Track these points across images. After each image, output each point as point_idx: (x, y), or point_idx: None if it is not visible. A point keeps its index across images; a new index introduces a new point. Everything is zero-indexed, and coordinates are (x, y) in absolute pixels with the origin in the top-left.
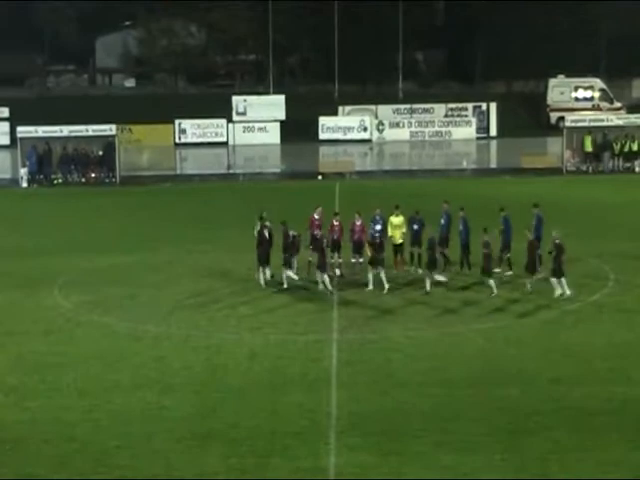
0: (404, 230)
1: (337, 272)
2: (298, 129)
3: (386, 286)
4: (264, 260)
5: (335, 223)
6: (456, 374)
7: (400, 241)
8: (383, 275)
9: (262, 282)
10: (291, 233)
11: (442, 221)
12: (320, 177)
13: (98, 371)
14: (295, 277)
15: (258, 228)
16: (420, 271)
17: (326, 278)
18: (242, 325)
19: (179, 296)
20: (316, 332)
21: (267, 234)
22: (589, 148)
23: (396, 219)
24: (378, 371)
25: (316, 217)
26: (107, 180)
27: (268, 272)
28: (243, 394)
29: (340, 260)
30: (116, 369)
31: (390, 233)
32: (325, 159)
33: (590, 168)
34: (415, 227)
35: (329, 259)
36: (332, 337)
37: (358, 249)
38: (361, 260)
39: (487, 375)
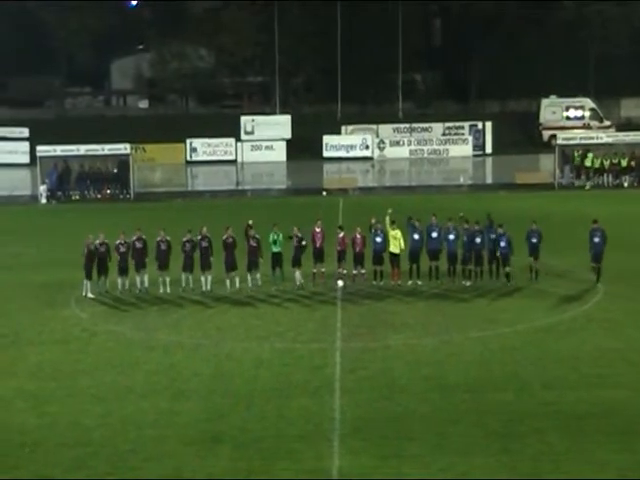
0: (402, 242)
1: (340, 283)
2: (303, 147)
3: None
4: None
5: (339, 236)
6: (454, 380)
7: (397, 251)
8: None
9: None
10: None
11: (451, 237)
12: (324, 193)
13: (113, 378)
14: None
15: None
16: (419, 283)
17: (298, 274)
18: (250, 334)
19: (190, 307)
20: (320, 341)
21: (254, 242)
22: (589, 164)
23: (393, 232)
24: (380, 378)
25: (317, 230)
26: (121, 196)
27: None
28: (250, 400)
29: (344, 271)
30: (130, 376)
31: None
32: (329, 176)
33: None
34: (416, 237)
35: (337, 269)
36: (335, 345)
37: (359, 261)
38: (363, 271)
39: (483, 381)
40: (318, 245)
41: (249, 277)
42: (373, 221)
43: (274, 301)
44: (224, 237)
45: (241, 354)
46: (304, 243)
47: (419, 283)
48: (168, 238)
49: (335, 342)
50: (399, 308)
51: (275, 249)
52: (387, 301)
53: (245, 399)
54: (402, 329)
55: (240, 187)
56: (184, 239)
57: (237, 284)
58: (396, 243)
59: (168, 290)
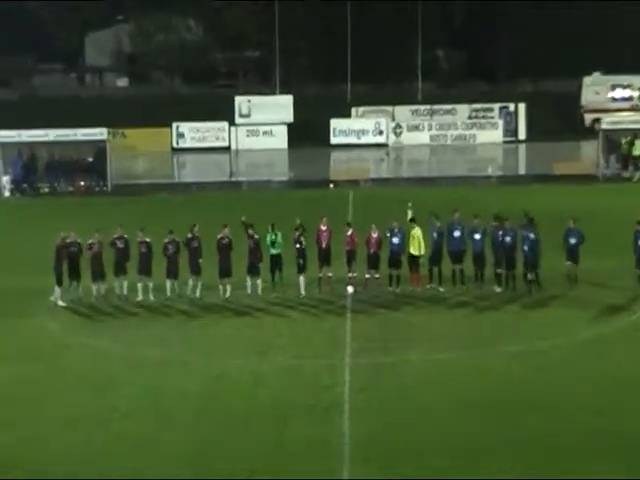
0: (422, 242)
1: (350, 290)
2: (307, 133)
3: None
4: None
5: (347, 234)
6: (483, 403)
7: (417, 252)
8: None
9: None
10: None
11: (477, 236)
12: (332, 185)
13: (87, 400)
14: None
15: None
16: (441, 289)
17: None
18: (247, 348)
19: (177, 317)
20: (327, 356)
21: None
22: (639, 152)
23: (412, 231)
24: (395, 399)
25: (323, 228)
26: (97, 189)
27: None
28: (246, 425)
29: (354, 274)
30: (107, 397)
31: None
32: (337, 165)
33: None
34: (435, 236)
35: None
36: (345, 361)
37: (374, 264)
38: (377, 276)
39: (518, 404)
40: (324, 246)
41: (249, 282)
42: (395, 223)
43: (274, 310)
44: (219, 237)
45: (236, 371)
46: (298, 246)
47: (441, 290)
48: (147, 239)
49: (344, 358)
50: (418, 318)
51: (274, 251)
52: (404, 310)
53: (240, 424)
54: (422, 342)
55: (234, 179)
56: (166, 240)
57: (229, 292)
58: (415, 244)
59: (151, 297)
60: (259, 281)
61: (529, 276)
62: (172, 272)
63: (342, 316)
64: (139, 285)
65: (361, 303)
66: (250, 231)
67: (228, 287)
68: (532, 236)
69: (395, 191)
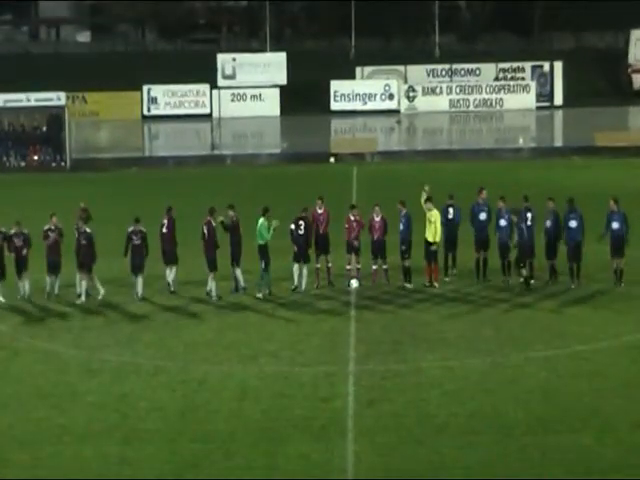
0: (439, 227)
1: (354, 284)
2: (303, 97)
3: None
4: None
5: (352, 218)
6: (511, 417)
7: (432, 239)
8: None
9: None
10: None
11: (502, 222)
12: (332, 160)
13: (42, 414)
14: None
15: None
16: (447, 279)
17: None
18: (230, 353)
19: (146, 315)
20: (327, 362)
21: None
22: None
23: (428, 214)
24: (408, 414)
25: (319, 211)
26: (54, 164)
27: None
28: (231, 444)
29: (358, 266)
30: (65, 411)
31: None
32: (339, 136)
33: None
34: (450, 216)
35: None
36: (348, 369)
37: (379, 252)
38: (385, 267)
39: (551, 418)
40: (322, 231)
41: (238, 273)
42: (399, 207)
43: (263, 308)
44: (222, 219)
45: (219, 381)
46: (301, 232)
47: (446, 280)
48: (88, 230)
49: (347, 365)
50: (435, 317)
51: (261, 241)
52: (418, 308)
53: (224, 443)
54: (439, 346)
55: (217, 152)
56: (129, 230)
57: (214, 291)
58: (432, 229)
59: (102, 292)
60: (238, 270)
61: (570, 265)
62: (137, 267)
63: (344, 315)
64: (78, 281)
65: (367, 300)
66: (231, 213)
67: (213, 283)
68: (574, 223)
69: (407, 167)
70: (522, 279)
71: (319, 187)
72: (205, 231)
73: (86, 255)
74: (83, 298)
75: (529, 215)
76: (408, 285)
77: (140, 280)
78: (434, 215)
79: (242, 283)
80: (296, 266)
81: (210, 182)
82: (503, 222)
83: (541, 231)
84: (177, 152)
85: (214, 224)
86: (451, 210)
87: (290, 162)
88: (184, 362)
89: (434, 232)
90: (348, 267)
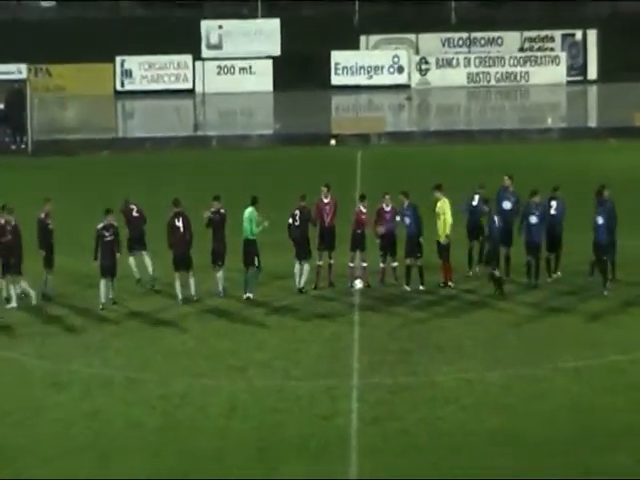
0: (449, 220)
1: (358, 284)
2: (300, 70)
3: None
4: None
5: (362, 210)
6: (539, 436)
7: (441, 238)
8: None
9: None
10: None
11: (533, 220)
12: (333, 142)
13: (3, 432)
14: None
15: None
16: (471, 274)
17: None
18: (216, 364)
19: (118, 320)
20: (327, 374)
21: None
22: None
23: (438, 204)
24: (420, 433)
25: (325, 200)
26: (13, 147)
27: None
28: (218, 466)
29: (364, 264)
30: (30, 428)
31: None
32: (341, 115)
33: None
34: (474, 203)
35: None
36: (351, 382)
37: (388, 248)
38: (395, 264)
39: (583, 438)
40: (327, 224)
41: (219, 275)
42: (401, 198)
43: (254, 312)
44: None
45: (203, 396)
46: (297, 223)
47: (472, 273)
48: (48, 221)
49: (350, 377)
50: (451, 322)
51: (250, 235)
52: (431, 311)
53: (210, 465)
54: (455, 356)
55: (200, 133)
56: (99, 226)
57: (193, 289)
58: (440, 224)
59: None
60: (220, 274)
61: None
62: (108, 270)
63: (347, 320)
64: (47, 278)
65: (373, 302)
66: (216, 204)
67: (192, 280)
68: (600, 221)
69: (419, 150)
70: (493, 279)
71: (318, 174)
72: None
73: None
74: (14, 303)
75: (554, 204)
76: (406, 287)
77: (111, 284)
78: (443, 206)
79: (220, 287)
80: (297, 265)
81: (193, 168)
82: (534, 220)
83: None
84: (155, 133)
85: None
86: (477, 197)
87: (285, 145)
88: (163, 374)
89: (443, 225)
90: (351, 265)
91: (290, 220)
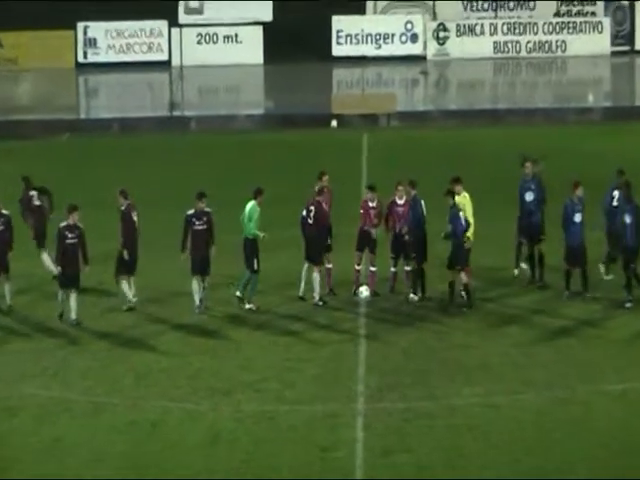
0: (470, 221)
1: (365, 292)
2: (295, 39)
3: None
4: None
5: (370, 204)
6: (576, 469)
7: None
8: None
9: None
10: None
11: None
12: (334, 124)
13: None
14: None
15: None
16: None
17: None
18: (197, 386)
19: (83, 335)
20: (327, 399)
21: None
22: None
23: (458, 201)
24: (435, 465)
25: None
26: None
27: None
28: None
29: (373, 268)
30: None
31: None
32: (343, 92)
33: None
34: (530, 198)
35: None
36: (356, 407)
37: (402, 249)
38: (408, 268)
39: (630, 470)
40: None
41: (196, 285)
42: (402, 188)
43: (241, 326)
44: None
45: (180, 423)
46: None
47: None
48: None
49: (355, 400)
50: (475, 338)
51: (249, 234)
52: (452, 324)
53: None
54: (479, 376)
55: (178, 113)
56: (61, 225)
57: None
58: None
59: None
60: (205, 284)
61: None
62: (71, 279)
63: (351, 335)
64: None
65: (382, 313)
66: (200, 204)
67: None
68: (629, 219)
69: (437, 133)
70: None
71: (317, 161)
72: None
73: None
74: None
75: (615, 194)
76: (413, 296)
77: (74, 297)
78: (462, 202)
79: (198, 301)
80: (306, 267)
81: (169, 154)
82: (577, 218)
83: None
84: (124, 113)
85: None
86: (533, 185)
87: (277, 127)
88: (133, 398)
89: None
90: (357, 268)
91: (304, 213)
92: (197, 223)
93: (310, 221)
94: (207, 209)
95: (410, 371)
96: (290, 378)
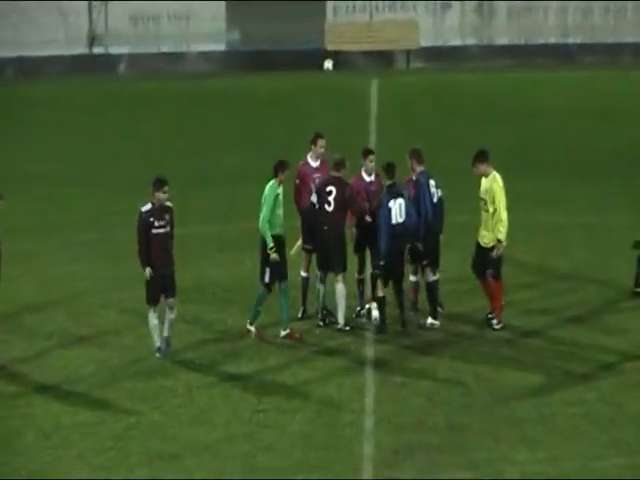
0: (503, 215)
1: (374, 313)
2: None
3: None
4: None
5: (367, 178)
6: None
7: (486, 239)
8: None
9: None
10: None
11: None
12: (329, 64)
13: None
14: None
15: None
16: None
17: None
18: (128, 449)
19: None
20: (318, 467)
21: None
22: None
23: (486, 185)
24: None
25: (312, 165)
26: None
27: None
28: None
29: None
30: None
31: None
32: (340, 20)
33: None
34: None
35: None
36: (361, 476)
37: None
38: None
39: None
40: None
41: (154, 319)
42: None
43: (197, 363)
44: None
45: None
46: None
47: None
48: None
49: (359, 470)
50: (532, 379)
51: (271, 229)
52: (494, 357)
53: None
54: (541, 435)
55: (100, 50)
56: None
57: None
58: (486, 216)
59: None
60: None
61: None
62: None
63: (354, 373)
64: None
65: (396, 344)
66: (161, 195)
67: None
68: None
69: (476, 78)
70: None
71: (305, 119)
72: None
73: None
74: None
75: None
76: (434, 322)
77: None
78: (492, 187)
79: (159, 342)
80: (321, 278)
81: (85, 108)
82: None
83: None
84: (25, 51)
85: None
86: None
87: (245, 70)
88: (41, 464)
89: (493, 222)
90: (359, 277)
91: (314, 199)
92: (157, 224)
93: (329, 208)
94: (169, 203)
95: (436, 427)
96: (264, 437)
